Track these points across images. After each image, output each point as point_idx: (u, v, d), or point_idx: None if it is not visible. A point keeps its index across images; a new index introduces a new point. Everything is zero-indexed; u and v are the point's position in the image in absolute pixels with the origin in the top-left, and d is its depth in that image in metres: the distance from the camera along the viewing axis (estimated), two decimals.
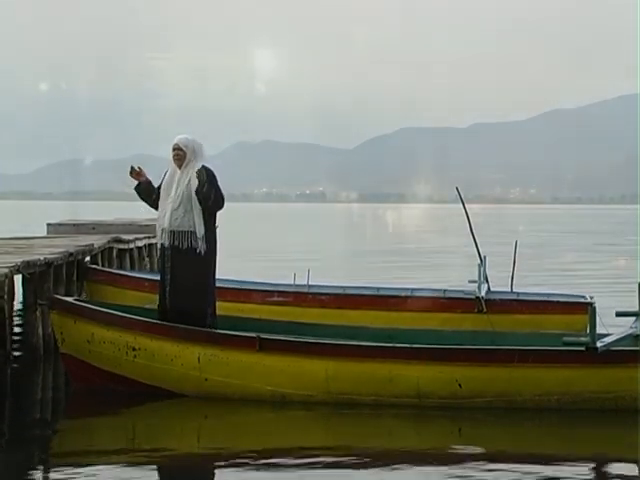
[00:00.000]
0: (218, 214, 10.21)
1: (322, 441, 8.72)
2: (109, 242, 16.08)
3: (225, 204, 10.16)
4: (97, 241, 15.35)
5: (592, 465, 7.89)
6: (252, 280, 14.33)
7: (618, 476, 7.54)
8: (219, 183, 10.06)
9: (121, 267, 16.56)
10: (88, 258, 14.82)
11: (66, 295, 12.15)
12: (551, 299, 13.16)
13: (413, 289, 13.83)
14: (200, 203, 9.93)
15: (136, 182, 10.30)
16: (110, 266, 15.98)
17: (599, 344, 9.05)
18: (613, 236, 54.92)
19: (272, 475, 7.49)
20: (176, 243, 9.96)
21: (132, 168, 10.27)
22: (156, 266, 15.62)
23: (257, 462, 7.77)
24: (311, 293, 13.35)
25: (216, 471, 7.77)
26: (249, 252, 33.89)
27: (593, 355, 9.06)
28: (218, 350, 9.51)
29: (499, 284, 13.88)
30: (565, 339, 9.45)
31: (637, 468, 7.67)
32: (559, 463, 7.84)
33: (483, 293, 12.84)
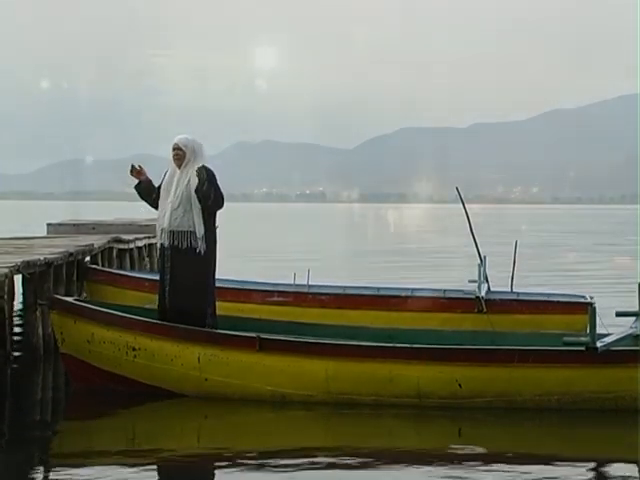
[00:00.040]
0: (218, 214, 10.21)
1: (322, 441, 8.72)
2: (109, 242, 16.09)
3: (225, 204, 10.17)
4: (97, 241, 15.35)
5: (592, 465, 7.89)
6: (252, 280, 14.32)
7: (618, 476, 7.53)
8: (219, 183, 10.06)
9: (121, 267, 16.57)
10: (88, 258, 14.82)
11: (66, 295, 12.15)
12: (551, 299, 13.16)
13: (413, 289, 13.82)
14: (200, 202, 9.93)
15: (136, 181, 10.30)
16: (110, 266, 15.98)
17: (599, 344, 9.05)
18: (613, 236, 54.91)
19: (272, 475, 7.48)
20: (176, 243, 9.95)
21: (132, 167, 10.27)
22: (156, 266, 15.61)
23: (257, 462, 7.77)
24: (311, 293, 13.34)
25: (216, 471, 7.76)
26: (249, 252, 33.89)
27: (593, 355, 9.06)
28: (218, 350, 9.50)
29: (499, 284, 13.87)
30: (565, 339, 9.45)
31: (637, 468, 7.66)
32: (559, 463, 7.83)
33: (483, 293, 12.83)
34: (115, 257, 16.66)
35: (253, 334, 9.62)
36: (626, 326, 9.69)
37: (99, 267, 14.96)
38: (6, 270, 10.66)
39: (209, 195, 9.91)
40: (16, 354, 11.79)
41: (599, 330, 9.19)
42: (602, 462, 7.94)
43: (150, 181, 10.27)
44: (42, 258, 11.88)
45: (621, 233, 57.35)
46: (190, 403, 9.53)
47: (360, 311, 12.88)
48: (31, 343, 12.03)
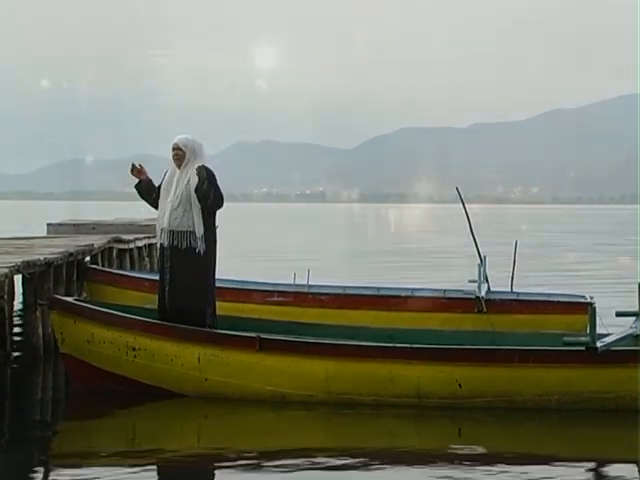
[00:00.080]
0: (218, 214, 10.21)
1: (322, 441, 8.72)
2: (109, 242, 16.09)
3: (225, 204, 10.17)
4: (97, 241, 15.35)
5: (592, 465, 7.89)
6: (252, 280, 14.32)
7: (618, 476, 7.52)
8: (218, 183, 10.06)
9: (121, 267, 16.56)
10: (88, 258, 14.82)
11: (66, 295, 12.15)
12: (551, 299, 13.15)
13: (413, 289, 13.82)
14: (199, 201, 9.93)
15: (137, 180, 10.30)
16: (110, 266, 15.98)
17: (599, 344, 9.05)
18: (613, 236, 54.91)
19: (272, 475, 7.48)
20: (175, 243, 9.95)
21: (133, 166, 10.27)
22: (156, 266, 15.61)
23: (257, 462, 7.77)
24: (311, 293, 13.34)
25: (216, 471, 7.76)
26: (249, 252, 33.89)
27: (593, 355, 9.06)
28: (218, 350, 9.50)
29: (499, 284, 13.87)
30: (565, 339, 9.45)
31: (637, 468, 7.66)
32: (559, 463, 7.83)
33: (483, 293, 12.83)
34: (115, 257, 16.66)
35: (253, 334, 9.62)
36: (626, 326, 9.69)
37: (99, 267, 14.96)
38: (6, 270, 10.66)
39: (209, 194, 9.91)
40: (16, 354, 11.79)
41: (599, 330, 9.19)
42: (602, 462, 7.94)
43: (150, 180, 10.27)
44: (42, 258, 11.88)
45: (621, 233, 57.35)
46: (190, 403, 9.53)
47: (360, 311, 12.87)
48: (31, 343, 12.02)
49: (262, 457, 7.92)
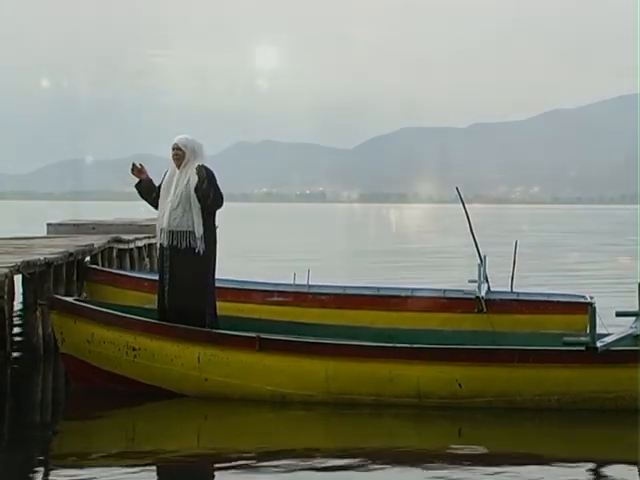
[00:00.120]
0: (218, 214, 10.21)
1: (322, 441, 8.72)
2: (109, 242, 16.09)
3: (224, 203, 10.16)
4: (97, 241, 15.35)
5: (592, 465, 7.88)
6: (252, 280, 14.32)
7: (618, 476, 7.53)
8: (218, 183, 10.06)
9: (121, 267, 16.57)
10: (88, 258, 14.82)
11: (66, 295, 12.15)
12: (551, 299, 13.16)
13: (413, 289, 13.82)
14: (199, 201, 9.92)
15: (137, 179, 10.30)
16: (110, 266, 15.98)
17: (599, 344, 9.05)
18: (613, 236, 54.91)
19: (272, 475, 7.47)
20: (175, 243, 9.95)
21: (133, 165, 10.27)
22: (156, 266, 15.61)
23: (257, 462, 7.77)
24: (311, 293, 13.34)
25: (216, 471, 7.75)
26: (249, 252, 33.88)
27: (593, 355, 9.06)
28: (218, 350, 9.50)
29: (499, 284, 13.87)
30: (565, 339, 9.45)
31: (637, 468, 7.66)
32: (559, 463, 7.84)
33: (483, 293, 12.83)
34: (115, 257, 16.66)
35: (253, 334, 9.62)
36: (626, 326, 9.69)
37: (99, 267, 14.96)
38: (6, 270, 10.66)
39: (208, 194, 9.91)
40: (16, 354, 11.79)
41: (599, 330, 9.19)
42: (602, 462, 7.93)
43: (151, 180, 10.28)
44: (42, 258, 11.88)
45: (621, 233, 57.33)
46: (190, 403, 9.53)
47: (360, 311, 12.87)
48: (31, 343, 12.02)
49: (262, 457, 7.92)
